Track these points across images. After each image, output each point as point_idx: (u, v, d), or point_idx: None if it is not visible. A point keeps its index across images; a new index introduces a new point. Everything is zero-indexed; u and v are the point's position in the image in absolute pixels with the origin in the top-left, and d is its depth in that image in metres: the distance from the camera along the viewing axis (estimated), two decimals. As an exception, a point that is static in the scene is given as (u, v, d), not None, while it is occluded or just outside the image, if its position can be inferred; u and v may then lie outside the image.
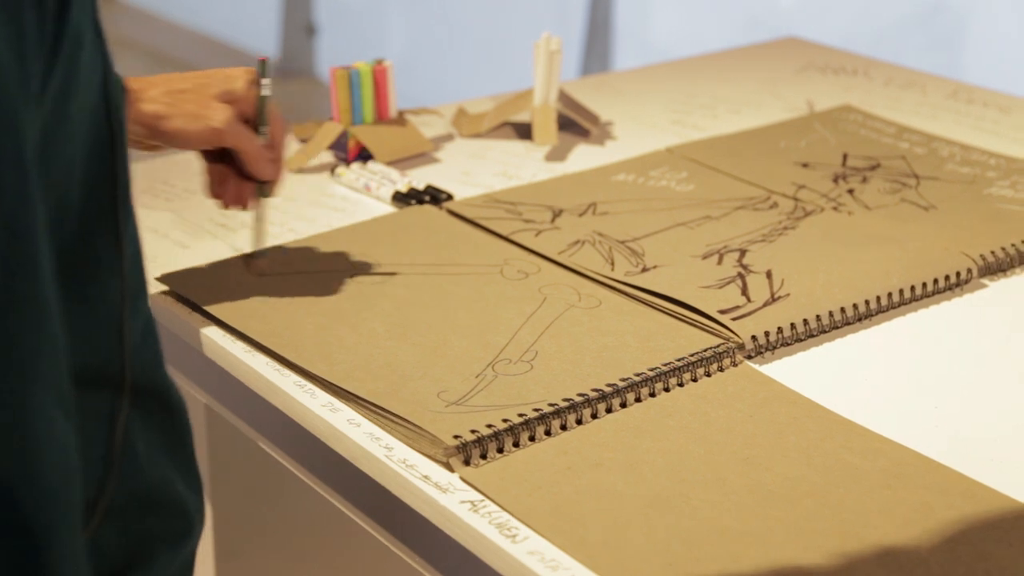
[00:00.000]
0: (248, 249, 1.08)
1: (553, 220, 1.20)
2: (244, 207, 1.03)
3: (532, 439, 0.87)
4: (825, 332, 1.04)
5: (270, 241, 1.14)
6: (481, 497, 0.81)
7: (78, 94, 0.60)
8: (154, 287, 1.06)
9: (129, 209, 0.64)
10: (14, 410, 0.55)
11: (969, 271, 1.13)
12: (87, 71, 0.61)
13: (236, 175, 1.02)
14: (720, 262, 1.12)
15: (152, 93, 0.98)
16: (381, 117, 1.36)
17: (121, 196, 0.64)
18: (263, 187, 1.02)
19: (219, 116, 0.97)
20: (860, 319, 1.06)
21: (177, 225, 1.18)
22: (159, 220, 1.19)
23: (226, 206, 1.03)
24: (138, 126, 0.97)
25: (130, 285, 0.65)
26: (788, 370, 0.98)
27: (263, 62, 1.01)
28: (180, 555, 0.72)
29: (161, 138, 0.98)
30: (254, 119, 1.01)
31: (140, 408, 0.68)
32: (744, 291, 1.06)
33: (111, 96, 0.63)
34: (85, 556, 0.60)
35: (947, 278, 1.12)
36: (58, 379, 0.58)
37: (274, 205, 1.24)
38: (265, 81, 1.01)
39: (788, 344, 1.02)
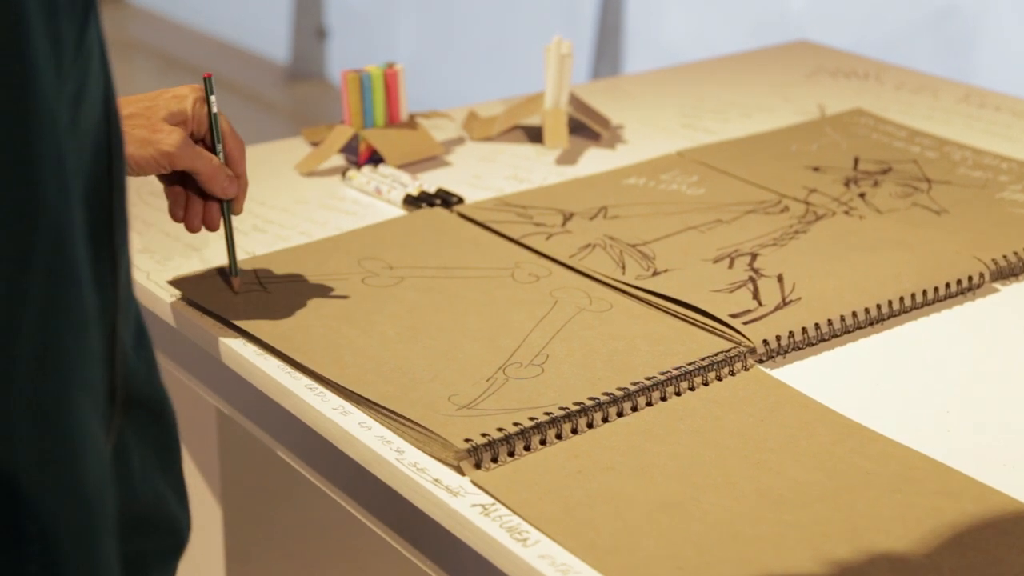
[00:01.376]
0: (226, 262, 1.05)
1: (564, 223, 1.20)
2: (212, 228, 1.01)
3: (543, 443, 0.87)
4: (836, 336, 1.04)
5: (279, 245, 1.14)
6: (492, 500, 0.81)
7: (87, 105, 0.60)
8: (166, 291, 1.06)
9: (125, 221, 0.65)
10: (58, 419, 0.55)
11: (981, 275, 1.13)
12: (95, 81, 0.61)
13: (198, 196, 1.00)
14: (731, 266, 1.12)
15: None
16: (392, 120, 1.36)
17: (117, 209, 0.64)
18: (227, 205, 1.01)
19: (170, 139, 0.95)
20: (872, 323, 1.06)
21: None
22: (171, 224, 1.19)
23: (192, 229, 1.01)
24: None
25: (123, 296, 0.65)
26: (799, 374, 0.98)
27: (208, 79, 0.99)
28: (170, 570, 0.73)
29: None
30: (207, 138, 0.99)
31: (133, 421, 0.68)
32: (755, 295, 1.06)
33: (112, 108, 0.63)
34: (119, 565, 0.60)
35: (959, 282, 1.11)
36: (95, 388, 0.58)
37: (285, 208, 1.24)
38: (212, 98, 0.99)
39: (799, 348, 1.02)
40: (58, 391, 0.55)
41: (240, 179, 1.00)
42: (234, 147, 1.00)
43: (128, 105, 0.96)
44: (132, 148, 0.94)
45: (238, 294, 1.03)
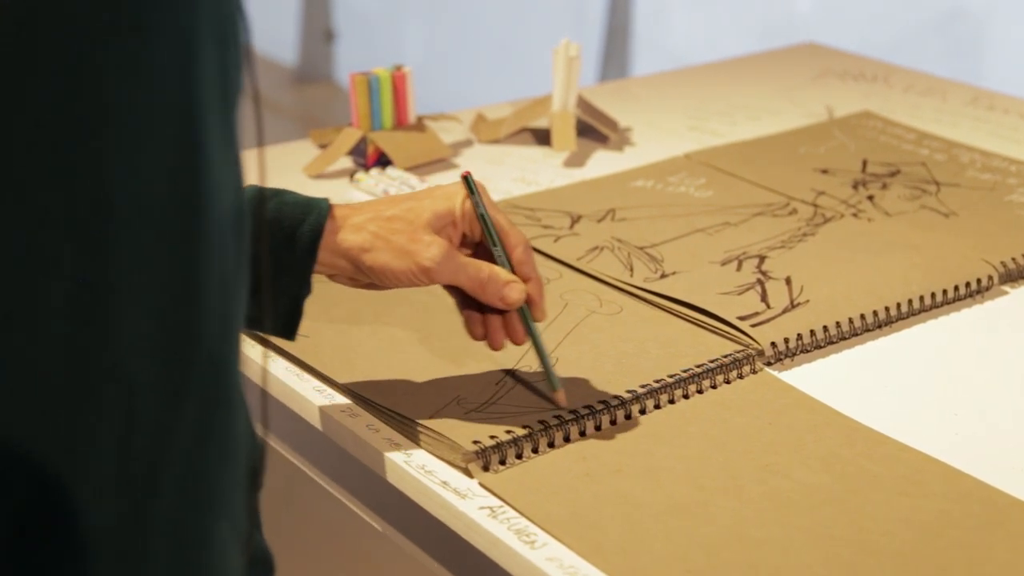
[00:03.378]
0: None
1: (572, 226, 1.20)
2: (517, 341, 0.88)
3: (551, 445, 0.87)
4: (844, 339, 1.04)
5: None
6: (500, 503, 0.81)
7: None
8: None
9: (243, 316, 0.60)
10: (202, 547, 0.54)
11: (989, 278, 1.13)
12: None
13: (494, 309, 0.88)
14: (739, 268, 1.12)
15: (357, 220, 0.85)
16: (400, 123, 1.36)
17: (245, 303, 0.57)
18: (526, 311, 0.87)
19: (428, 253, 0.84)
20: (880, 326, 1.06)
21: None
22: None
23: (494, 346, 0.89)
24: (340, 258, 0.85)
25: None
26: (807, 377, 0.98)
27: (467, 178, 0.87)
28: None
29: (366, 273, 0.85)
30: (483, 238, 0.87)
31: None
32: (763, 298, 1.06)
33: (241, 190, 0.57)
34: None
35: (967, 285, 1.11)
36: (238, 509, 0.56)
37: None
38: (476, 197, 0.86)
39: (807, 351, 1.02)
40: (202, 519, 0.53)
41: (529, 282, 0.87)
42: (515, 246, 0.87)
43: (392, 205, 0.86)
44: (389, 257, 0.84)
45: (564, 409, 0.90)
